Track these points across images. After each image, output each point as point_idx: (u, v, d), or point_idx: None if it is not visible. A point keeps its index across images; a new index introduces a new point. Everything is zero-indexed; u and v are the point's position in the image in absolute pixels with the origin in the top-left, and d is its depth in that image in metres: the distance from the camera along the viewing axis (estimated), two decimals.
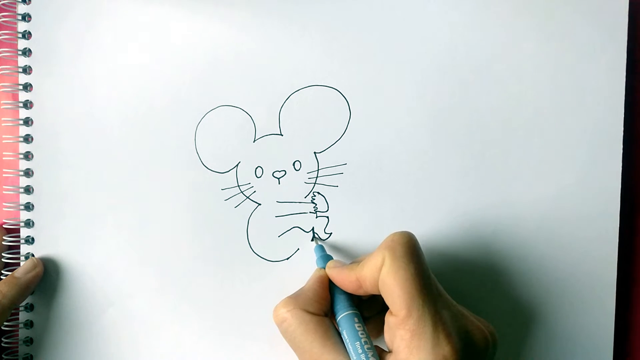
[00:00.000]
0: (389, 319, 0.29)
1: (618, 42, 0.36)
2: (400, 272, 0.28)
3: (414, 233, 0.30)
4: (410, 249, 0.29)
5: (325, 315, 0.31)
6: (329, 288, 0.33)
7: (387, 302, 0.28)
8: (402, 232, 0.30)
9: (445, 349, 0.26)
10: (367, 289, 0.30)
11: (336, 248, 0.37)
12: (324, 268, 0.33)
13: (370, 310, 0.34)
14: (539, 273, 0.36)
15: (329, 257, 0.34)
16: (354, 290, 0.31)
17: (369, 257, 0.30)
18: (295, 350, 0.30)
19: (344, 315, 0.31)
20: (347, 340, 0.29)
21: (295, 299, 0.31)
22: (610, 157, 0.36)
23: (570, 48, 0.36)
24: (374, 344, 0.30)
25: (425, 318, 0.27)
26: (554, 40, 0.36)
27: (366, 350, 0.28)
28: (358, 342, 0.29)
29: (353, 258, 0.36)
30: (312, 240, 0.37)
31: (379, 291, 0.29)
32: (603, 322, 0.36)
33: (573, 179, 0.36)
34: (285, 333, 0.30)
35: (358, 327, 0.30)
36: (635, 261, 0.38)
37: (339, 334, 0.30)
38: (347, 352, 0.29)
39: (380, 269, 0.28)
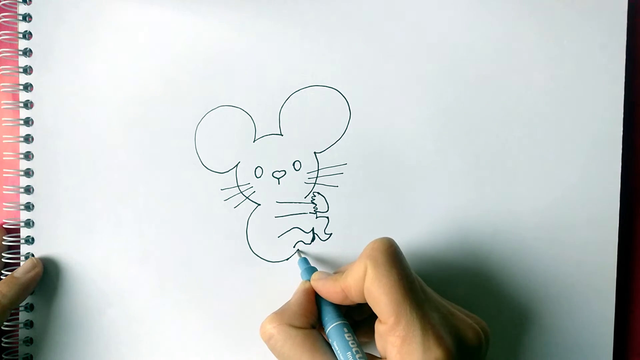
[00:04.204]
0: (378, 327, 0.29)
1: (617, 42, 0.36)
2: (383, 280, 0.28)
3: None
4: (391, 256, 0.29)
5: (313, 327, 0.31)
6: (316, 300, 0.33)
7: (375, 310, 0.28)
8: (382, 238, 0.30)
9: (437, 352, 0.26)
10: (353, 298, 0.30)
11: (333, 251, 0.37)
12: (309, 280, 0.33)
13: (361, 314, 0.34)
14: (539, 274, 0.36)
15: (313, 269, 0.34)
16: (340, 301, 0.31)
17: (351, 267, 0.30)
18: None
19: (333, 326, 0.31)
20: (338, 351, 0.29)
21: (281, 315, 0.31)
22: (610, 157, 0.36)
23: (570, 48, 0.36)
24: (367, 348, 0.30)
25: (413, 323, 0.27)
26: (554, 40, 0.36)
27: (358, 359, 0.28)
28: (349, 352, 0.29)
29: (353, 259, 0.36)
30: (312, 241, 0.37)
31: (365, 300, 0.29)
32: (603, 322, 0.36)
33: (573, 179, 0.36)
34: (273, 349, 0.30)
35: (348, 337, 0.30)
36: (635, 261, 0.38)
37: (329, 345, 0.30)
38: None
39: (364, 278, 0.28)
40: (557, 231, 0.36)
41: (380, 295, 0.28)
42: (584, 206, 0.36)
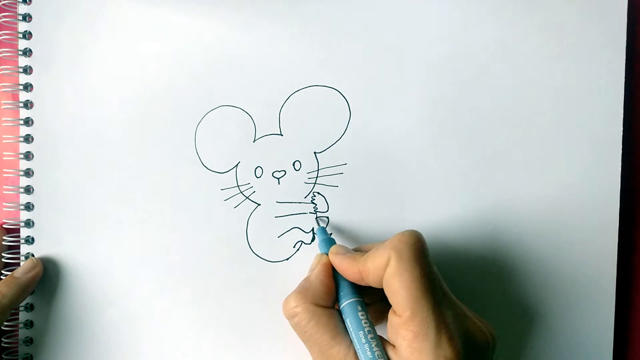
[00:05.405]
0: (392, 318, 0.28)
1: (617, 42, 0.36)
2: (405, 275, 0.27)
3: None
4: (417, 251, 0.28)
5: (334, 305, 0.31)
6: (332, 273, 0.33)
7: (391, 302, 0.28)
8: (410, 232, 0.29)
9: (447, 351, 0.26)
10: (369, 283, 0.30)
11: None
12: (326, 254, 0.33)
13: (372, 297, 0.33)
14: (539, 273, 0.36)
15: (332, 241, 0.34)
16: (355, 281, 0.31)
17: (373, 253, 0.29)
18: (305, 342, 0.31)
19: (347, 302, 0.31)
20: (351, 329, 0.29)
21: (305, 294, 0.31)
22: (610, 157, 0.36)
23: (570, 48, 0.36)
24: (377, 330, 0.30)
25: (428, 320, 0.27)
26: (554, 41, 0.36)
27: (370, 340, 0.28)
28: (361, 332, 0.29)
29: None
30: (312, 241, 0.37)
31: (381, 286, 0.29)
32: (603, 322, 0.36)
33: (573, 179, 0.36)
34: (296, 327, 0.31)
35: (361, 315, 0.30)
36: (635, 261, 0.38)
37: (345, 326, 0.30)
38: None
39: (385, 268, 0.28)
40: (557, 231, 0.36)
41: (400, 289, 0.27)
42: (584, 206, 0.36)
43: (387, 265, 0.28)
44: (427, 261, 0.28)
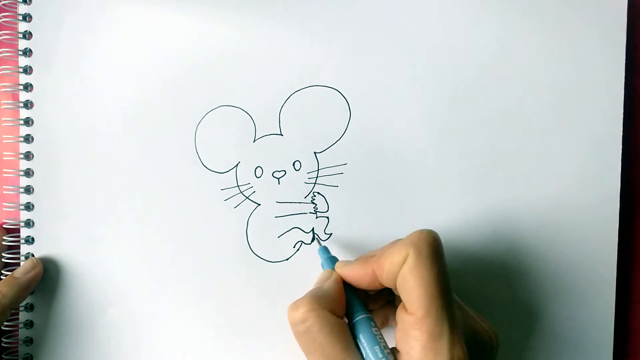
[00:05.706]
0: (404, 317, 0.28)
1: (617, 42, 0.36)
2: (423, 272, 0.27)
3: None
4: (436, 249, 0.28)
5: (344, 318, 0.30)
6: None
7: (404, 299, 0.28)
8: (429, 230, 0.29)
9: (460, 351, 0.26)
10: (383, 281, 0.29)
11: (333, 251, 0.36)
12: (331, 270, 0.32)
13: (375, 303, 0.33)
14: (539, 273, 0.36)
15: (335, 259, 0.34)
16: (367, 284, 0.30)
17: (389, 249, 0.29)
18: (311, 352, 0.28)
19: (360, 318, 0.30)
20: (365, 345, 0.29)
21: (320, 299, 0.29)
22: (610, 157, 0.36)
23: (570, 48, 0.36)
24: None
25: (443, 320, 0.26)
26: (554, 40, 0.36)
27: (386, 354, 0.28)
28: (377, 347, 0.28)
29: (353, 259, 0.36)
30: (313, 241, 0.37)
31: (394, 285, 0.29)
32: (603, 322, 0.36)
33: (573, 179, 0.36)
34: (305, 333, 0.28)
35: (375, 331, 0.29)
36: (635, 261, 0.38)
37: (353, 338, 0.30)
38: (364, 357, 0.28)
39: (402, 264, 0.28)
40: (557, 231, 0.36)
41: (415, 286, 0.27)
42: (584, 206, 0.36)
43: (404, 261, 0.28)
44: (443, 261, 0.28)
